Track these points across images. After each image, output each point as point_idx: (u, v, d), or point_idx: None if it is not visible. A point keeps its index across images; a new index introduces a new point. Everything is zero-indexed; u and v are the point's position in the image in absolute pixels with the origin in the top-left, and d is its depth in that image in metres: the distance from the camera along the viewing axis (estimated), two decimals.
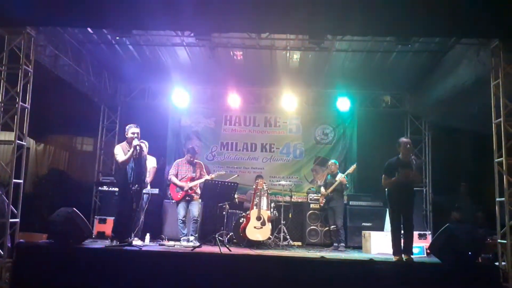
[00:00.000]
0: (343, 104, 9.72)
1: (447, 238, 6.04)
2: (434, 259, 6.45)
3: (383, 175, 6.55)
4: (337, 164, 8.84)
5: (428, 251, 7.00)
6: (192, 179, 7.93)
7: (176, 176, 8.01)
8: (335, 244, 8.43)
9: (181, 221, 7.86)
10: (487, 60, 6.45)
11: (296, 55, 8.46)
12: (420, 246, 7.46)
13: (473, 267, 5.89)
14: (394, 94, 10.11)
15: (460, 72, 7.36)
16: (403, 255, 6.32)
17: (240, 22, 6.32)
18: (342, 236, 8.42)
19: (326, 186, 8.68)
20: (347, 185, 8.68)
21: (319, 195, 9.03)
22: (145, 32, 7.44)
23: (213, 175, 8.08)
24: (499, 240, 5.94)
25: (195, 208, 7.92)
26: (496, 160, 6.13)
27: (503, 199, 5.90)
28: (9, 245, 6.03)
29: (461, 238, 5.91)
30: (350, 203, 9.18)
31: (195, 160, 8.19)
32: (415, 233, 7.64)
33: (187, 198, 7.88)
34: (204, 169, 8.23)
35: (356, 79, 9.16)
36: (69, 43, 7.81)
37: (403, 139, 6.69)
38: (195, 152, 8.23)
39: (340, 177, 8.46)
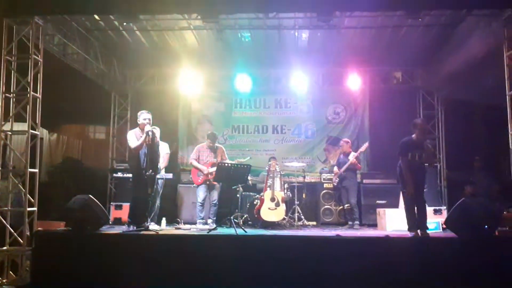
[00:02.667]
0: (354, 82, 9.59)
1: (463, 212, 6.02)
2: (450, 234, 6.43)
3: (401, 158, 6.49)
4: (350, 143, 8.79)
5: (444, 226, 6.97)
6: (214, 164, 7.95)
7: (197, 160, 8.06)
8: (350, 223, 8.43)
9: (200, 204, 7.92)
10: (500, 31, 6.34)
11: (304, 34, 8.37)
12: (436, 222, 7.42)
13: (490, 240, 5.87)
14: (406, 70, 9.97)
15: (472, 44, 7.24)
16: (418, 231, 6.31)
17: (247, 2, 6.27)
18: (357, 215, 8.41)
19: (340, 165, 8.65)
20: (359, 164, 8.60)
21: (332, 174, 9.02)
22: (152, 17, 7.39)
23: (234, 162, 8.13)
24: None
25: (215, 193, 7.98)
26: (510, 132, 6.05)
27: None
28: (28, 233, 6.14)
29: (476, 211, 5.89)
30: (364, 181, 9.14)
31: (216, 145, 8.22)
32: (430, 209, 7.65)
33: (207, 183, 7.93)
34: (225, 154, 8.24)
35: (366, 56, 9.02)
36: (77, 31, 7.81)
37: (419, 121, 6.64)
38: (215, 138, 8.24)
39: (352, 156, 8.43)
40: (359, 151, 8.53)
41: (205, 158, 8.05)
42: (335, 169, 8.76)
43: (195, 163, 8.03)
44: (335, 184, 8.75)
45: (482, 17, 6.75)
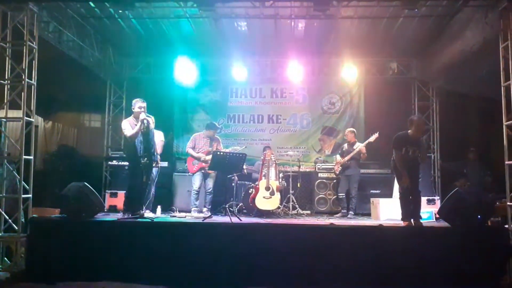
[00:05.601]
0: (350, 72, 9.59)
1: (456, 202, 6.08)
2: (443, 224, 6.50)
3: (395, 152, 6.50)
4: (355, 132, 8.76)
5: (437, 215, 7.05)
6: (209, 153, 7.96)
7: (193, 149, 8.08)
8: (343, 211, 8.49)
9: (196, 192, 7.97)
10: (496, 23, 6.35)
11: (301, 24, 8.34)
12: (429, 211, 7.50)
13: (483, 230, 5.94)
14: (401, 60, 9.98)
15: (467, 35, 7.24)
16: (412, 220, 6.36)
17: None
18: (353, 204, 8.44)
19: (343, 154, 8.65)
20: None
21: (328, 164, 9.05)
22: (147, 5, 7.31)
23: (228, 150, 8.15)
24: (508, 203, 5.96)
25: (210, 181, 8.02)
26: (505, 123, 6.10)
27: None
28: (23, 220, 6.14)
29: (469, 201, 5.94)
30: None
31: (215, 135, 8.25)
32: (424, 199, 7.71)
33: (203, 171, 7.95)
34: (221, 144, 8.28)
35: (362, 46, 9.03)
36: (72, 19, 7.76)
37: (415, 118, 6.62)
38: (216, 127, 8.26)
39: (359, 146, 8.42)
40: (367, 141, 8.40)
41: (201, 147, 8.09)
42: (338, 157, 8.76)
43: (191, 152, 8.07)
44: (337, 172, 8.76)
45: (478, 8, 6.75)
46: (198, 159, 7.96)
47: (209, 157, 7.83)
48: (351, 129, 8.89)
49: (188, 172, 8.29)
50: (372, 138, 8.37)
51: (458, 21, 7.44)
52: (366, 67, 9.99)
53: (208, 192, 8.01)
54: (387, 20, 7.87)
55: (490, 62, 6.71)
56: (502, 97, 6.20)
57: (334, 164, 8.96)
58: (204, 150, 8.04)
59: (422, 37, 8.47)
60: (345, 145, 8.78)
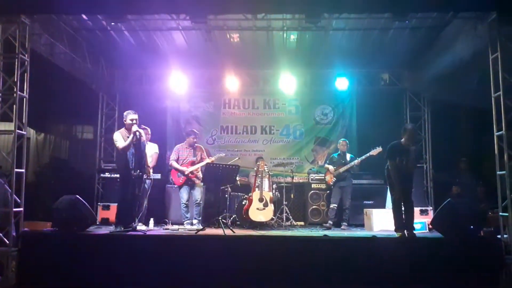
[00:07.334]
0: (342, 83, 9.68)
1: (449, 213, 6.11)
2: (436, 234, 6.52)
3: (390, 161, 6.57)
4: (348, 143, 8.80)
5: (430, 226, 7.06)
6: (193, 163, 7.94)
7: (177, 161, 8.02)
8: (330, 222, 8.49)
9: (185, 205, 7.90)
10: (485, 34, 6.42)
11: (293, 36, 8.40)
12: (422, 222, 7.51)
13: (475, 240, 5.95)
14: (393, 71, 10.05)
15: (458, 47, 7.32)
16: (405, 231, 6.37)
17: (235, 3, 6.27)
18: (347, 216, 8.45)
19: (334, 164, 8.64)
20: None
21: (321, 175, 9.05)
22: (140, 17, 7.35)
23: (213, 158, 8.10)
24: (500, 213, 5.98)
25: (197, 192, 7.94)
26: (496, 133, 6.14)
27: (503, 172, 5.92)
28: (14, 234, 6.08)
29: (462, 212, 5.98)
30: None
31: (196, 144, 8.20)
32: (417, 209, 7.73)
33: (189, 183, 7.91)
34: (204, 153, 8.23)
35: (354, 58, 9.10)
36: (64, 31, 7.74)
37: (409, 127, 6.73)
38: (195, 133, 8.20)
39: (352, 158, 8.49)
40: (369, 154, 8.35)
41: (184, 157, 8.03)
42: (330, 167, 8.67)
43: (175, 164, 8.00)
44: (330, 183, 8.70)
45: (468, 20, 6.83)
46: (182, 172, 7.90)
47: (192, 168, 7.82)
48: (345, 139, 8.92)
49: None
50: (375, 152, 8.31)
51: (448, 33, 7.52)
52: (358, 77, 10.04)
53: (196, 204, 7.92)
54: (378, 32, 7.93)
55: (480, 73, 6.77)
56: (493, 107, 6.24)
57: (325, 174, 8.89)
58: (188, 160, 7.98)
59: (413, 48, 8.52)
60: (335, 155, 8.78)
